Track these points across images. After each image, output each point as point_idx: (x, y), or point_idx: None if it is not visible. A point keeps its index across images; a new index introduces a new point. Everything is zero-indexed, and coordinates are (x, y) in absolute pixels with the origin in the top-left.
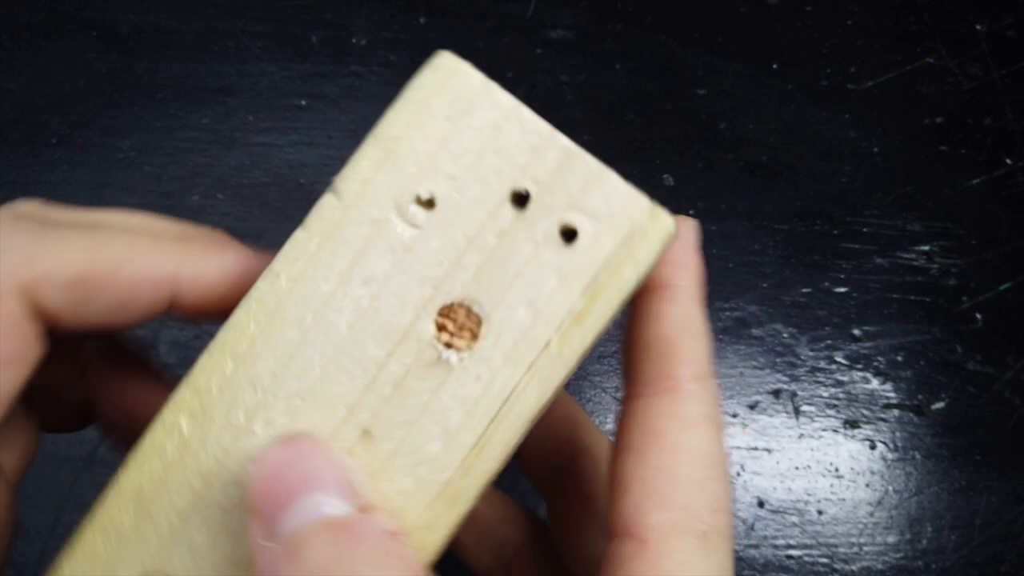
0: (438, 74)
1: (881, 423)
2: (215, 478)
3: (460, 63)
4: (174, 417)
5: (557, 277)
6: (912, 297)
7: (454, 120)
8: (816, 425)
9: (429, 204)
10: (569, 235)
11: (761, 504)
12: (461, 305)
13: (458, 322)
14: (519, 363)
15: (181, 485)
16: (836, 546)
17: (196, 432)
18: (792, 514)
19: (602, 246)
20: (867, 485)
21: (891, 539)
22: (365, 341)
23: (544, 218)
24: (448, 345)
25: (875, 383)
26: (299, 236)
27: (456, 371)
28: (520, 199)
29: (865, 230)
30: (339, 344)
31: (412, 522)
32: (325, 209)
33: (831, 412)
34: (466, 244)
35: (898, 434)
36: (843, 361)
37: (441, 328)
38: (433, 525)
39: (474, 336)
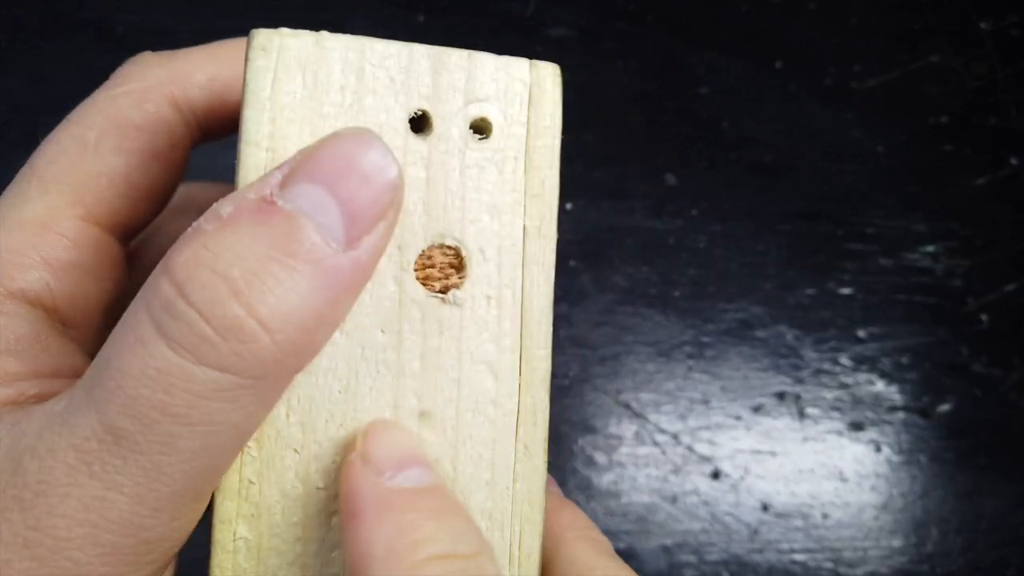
0: (269, 53)
1: (886, 426)
2: (310, 556)
3: (281, 32)
4: (228, 533)
5: (496, 169)
6: (917, 298)
7: (312, 88)
8: (820, 428)
9: None
10: (482, 127)
11: (765, 508)
12: (431, 247)
13: (438, 264)
14: (512, 263)
15: None
16: (841, 550)
17: (262, 530)
18: (796, 518)
19: (516, 120)
20: (872, 488)
21: (896, 543)
22: (369, 334)
23: (453, 126)
24: (443, 290)
25: (880, 385)
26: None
27: (465, 306)
28: (420, 122)
29: (869, 230)
30: (347, 355)
31: (508, 460)
32: None
33: (836, 415)
34: None
35: (903, 437)
36: (848, 363)
37: (427, 280)
38: (530, 450)
39: (459, 267)
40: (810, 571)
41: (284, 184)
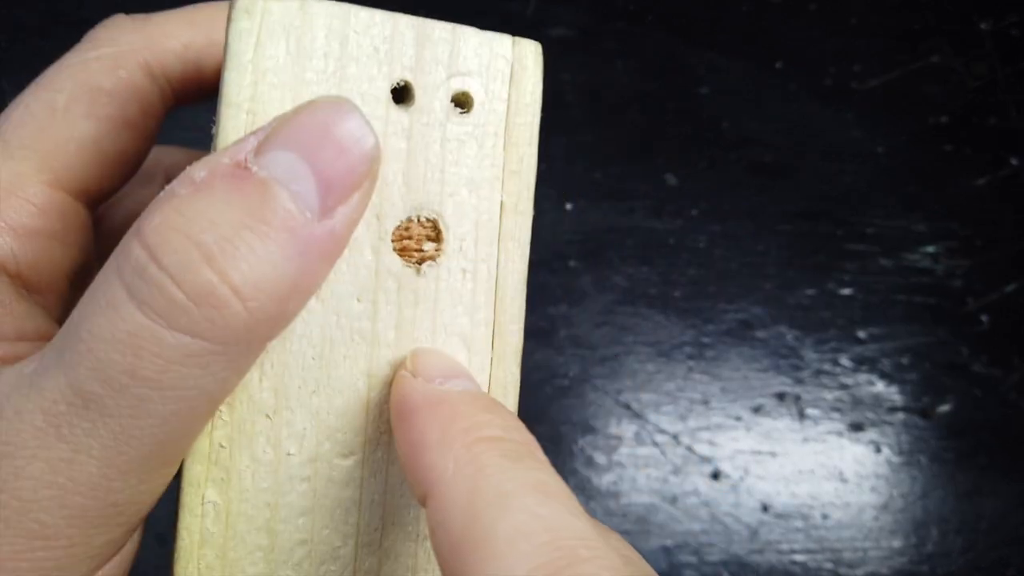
0: (252, 15)
1: (886, 426)
2: (279, 522)
3: None
4: (197, 497)
5: (476, 144)
6: (917, 299)
7: (295, 53)
8: (821, 428)
9: None
10: (463, 101)
11: (765, 508)
12: (409, 219)
13: (415, 236)
14: (489, 237)
15: (246, 553)
16: (841, 551)
17: (231, 494)
18: (796, 519)
19: (498, 96)
20: (872, 489)
21: (896, 543)
22: (345, 303)
23: (434, 99)
24: (420, 261)
25: (880, 386)
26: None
27: (441, 279)
28: (402, 93)
29: (869, 231)
30: (322, 322)
31: None
32: None
33: (836, 415)
34: (381, 160)
35: (903, 437)
36: (848, 364)
37: (404, 251)
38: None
39: (436, 239)
40: (810, 572)
41: (259, 150)
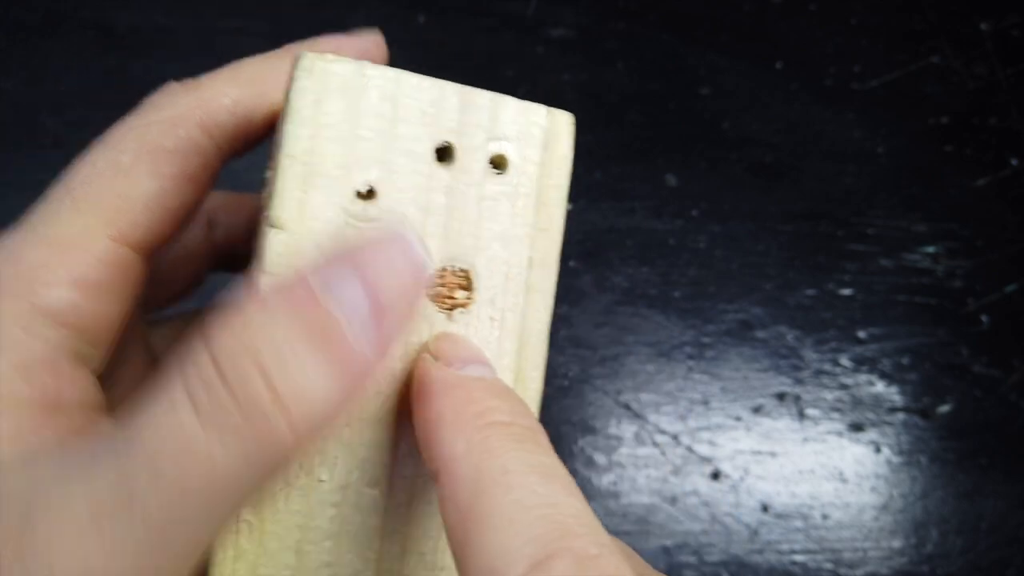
0: (313, 76)
1: (886, 426)
2: (307, 543)
3: (326, 58)
4: (233, 515)
5: (508, 203)
6: (917, 299)
7: (350, 111)
8: (821, 428)
9: (370, 194)
10: (499, 163)
11: (765, 509)
12: (444, 268)
13: (448, 284)
14: (517, 289)
15: (275, 571)
16: (841, 551)
17: (264, 515)
18: (796, 519)
19: (531, 160)
20: (872, 489)
21: (896, 544)
22: None
23: (474, 160)
24: (451, 308)
25: (880, 386)
26: (264, 281)
27: (471, 325)
28: (444, 153)
29: (870, 231)
30: None
31: None
32: (275, 244)
33: (836, 415)
34: (422, 213)
35: (903, 438)
36: (848, 364)
37: (436, 297)
38: None
39: (468, 288)
40: (810, 572)
41: (325, 276)
